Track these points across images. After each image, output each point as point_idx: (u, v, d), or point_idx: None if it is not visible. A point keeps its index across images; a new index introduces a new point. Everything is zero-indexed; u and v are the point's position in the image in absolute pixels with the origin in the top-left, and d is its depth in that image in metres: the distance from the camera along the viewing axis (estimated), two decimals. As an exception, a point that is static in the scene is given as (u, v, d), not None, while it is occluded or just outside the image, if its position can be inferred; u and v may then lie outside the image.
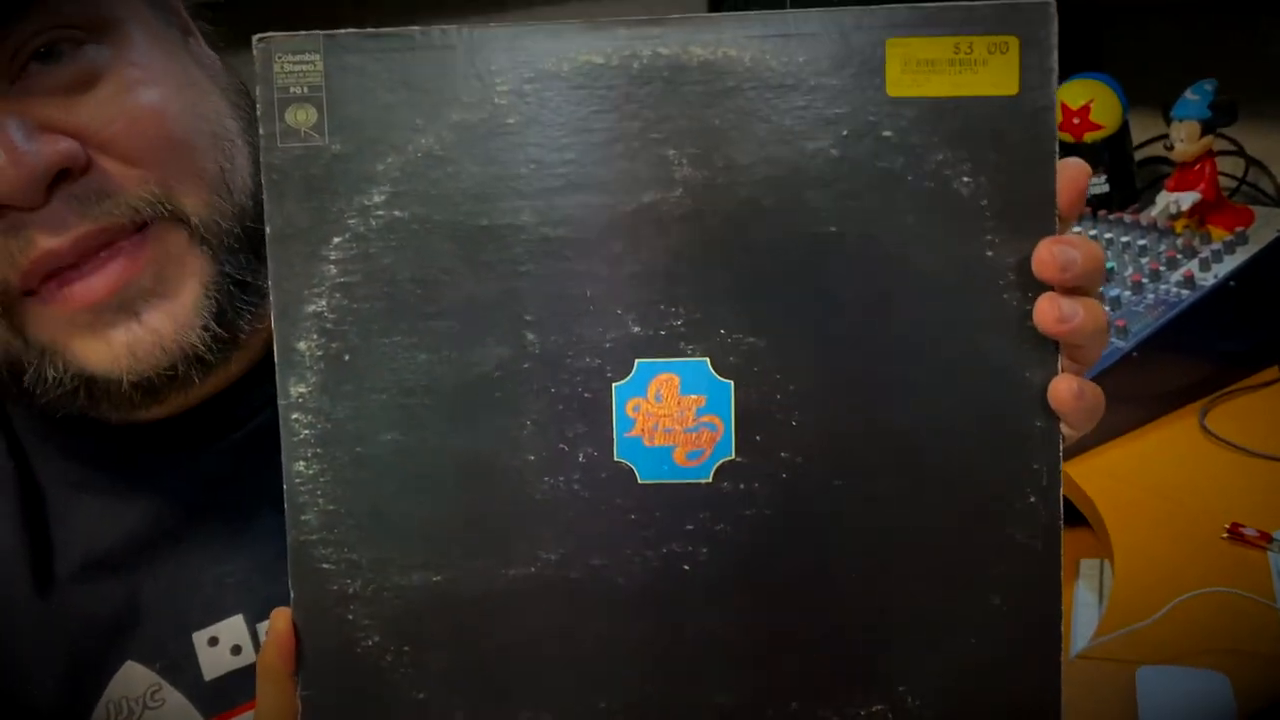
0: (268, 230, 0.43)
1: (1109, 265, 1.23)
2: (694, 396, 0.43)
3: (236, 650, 0.59)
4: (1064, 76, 1.36)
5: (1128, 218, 1.32)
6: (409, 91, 0.43)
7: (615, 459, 0.44)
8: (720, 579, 0.44)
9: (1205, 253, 1.18)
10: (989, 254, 0.42)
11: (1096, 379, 0.82)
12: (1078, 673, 0.81)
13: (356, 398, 0.44)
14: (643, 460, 0.44)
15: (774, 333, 0.43)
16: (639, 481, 0.44)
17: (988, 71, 0.41)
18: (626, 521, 0.44)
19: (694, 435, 0.43)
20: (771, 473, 0.43)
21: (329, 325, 0.43)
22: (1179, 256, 1.20)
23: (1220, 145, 1.26)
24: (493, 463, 0.43)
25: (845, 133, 0.42)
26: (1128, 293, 1.18)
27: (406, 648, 0.44)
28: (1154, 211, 1.28)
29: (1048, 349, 0.42)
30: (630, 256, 0.43)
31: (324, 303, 0.43)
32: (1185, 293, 1.15)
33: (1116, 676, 0.78)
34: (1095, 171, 1.39)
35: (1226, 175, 1.31)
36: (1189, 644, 0.80)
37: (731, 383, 0.43)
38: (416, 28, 0.42)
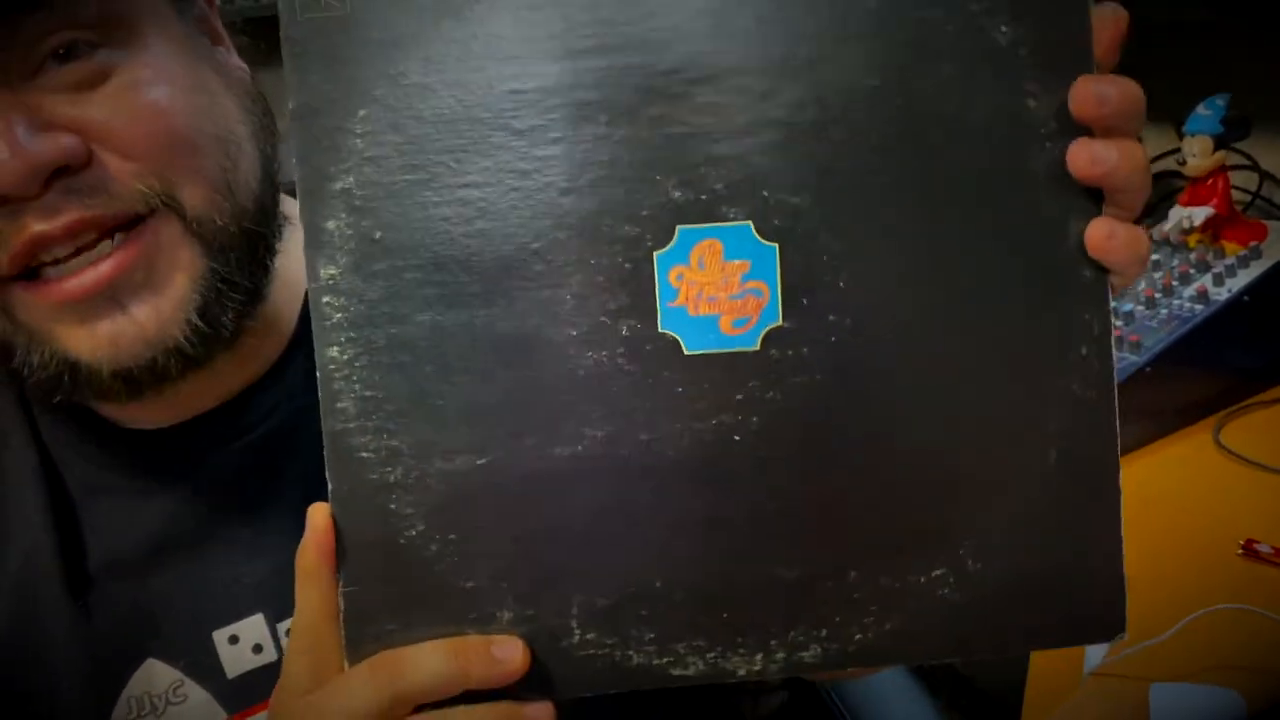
0: (290, 106, 0.42)
1: (1122, 280, 1.23)
2: (738, 262, 0.42)
3: (258, 649, 0.60)
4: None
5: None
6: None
7: (660, 330, 0.42)
8: (773, 448, 0.43)
9: (1219, 267, 1.18)
10: (1030, 103, 0.42)
11: None
12: (1091, 690, 0.81)
13: (389, 277, 0.42)
14: (688, 330, 0.42)
15: (816, 192, 0.42)
16: (685, 352, 0.43)
17: None
18: (674, 394, 0.43)
19: (739, 302, 0.42)
20: (821, 337, 0.43)
21: (358, 202, 0.42)
22: (1192, 271, 1.19)
23: (1233, 160, 1.26)
24: (533, 339, 0.42)
25: None
26: (1141, 307, 1.17)
27: (452, 535, 0.43)
28: (1167, 226, 1.27)
29: (1091, 197, 0.42)
30: (667, 118, 0.42)
31: (351, 179, 0.42)
32: (1199, 308, 1.14)
33: (1130, 694, 0.78)
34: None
35: (1240, 189, 1.31)
36: (1202, 661, 0.80)
37: (776, 246, 0.42)
38: None
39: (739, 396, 0.43)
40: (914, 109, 0.42)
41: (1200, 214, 1.22)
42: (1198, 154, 1.22)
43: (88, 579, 0.59)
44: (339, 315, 0.42)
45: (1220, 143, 1.21)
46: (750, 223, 0.42)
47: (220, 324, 0.55)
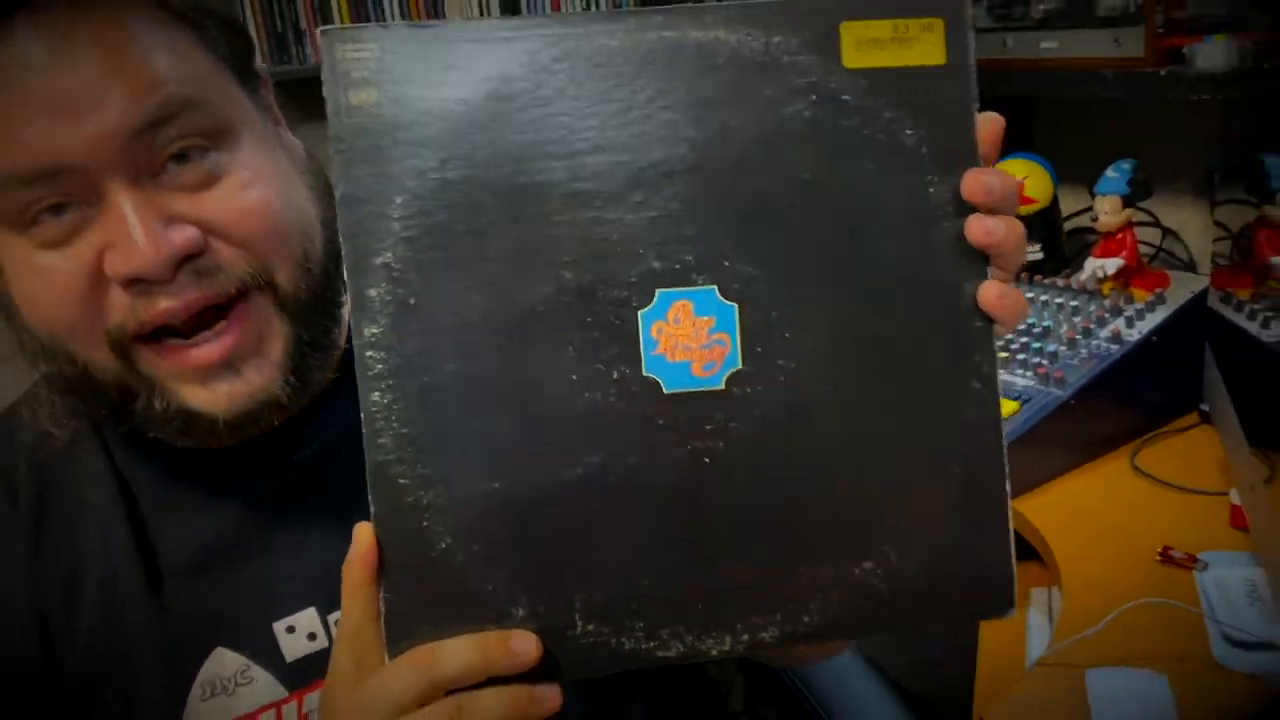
0: (338, 194, 0.49)
1: (1046, 324, 1.37)
2: (706, 318, 0.51)
3: (312, 637, 0.68)
4: (1001, 156, 1.51)
5: (1060, 282, 1.46)
6: (453, 72, 0.50)
7: (644, 374, 0.51)
8: (735, 468, 0.52)
9: (1130, 311, 1.32)
10: (930, 190, 0.52)
11: (1039, 425, 0.96)
12: (1036, 677, 0.92)
13: (422, 335, 0.50)
14: (667, 373, 0.51)
15: (767, 263, 0.51)
16: (664, 391, 0.51)
17: (921, 46, 0.51)
18: (655, 426, 0.51)
19: (707, 351, 0.51)
20: (772, 378, 0.52)
21: (396, 274, 0.50)
22: (1107, 315, 1.34)
23: (1138, 217, 1.41)
24: (541, 383, 0.50)
25: (813, 98, 0.51)
26: (1064, 348, 1.31)
27: (475, 547, 0.51)
28: (1083, 276, 1.42)
29: (980, 263, 0.52)
30: (647, 204, 0.51)
31: (390, 255, 0.50)
32: (1114, 347, 1.28)
33: (1070, 679, 0.89)
34: (1030, 241, 1.53)
35: (1144, 243, 1.46)
36: (1130, 649, 0.92)
37: (735, 305, 0.51)
38: (458, 18, 0.51)
39: (708, 426, 0.52)
40: (841, 196, 0.52)
41: (1112, 264, 1.36)
42: (1108, 211, 1.37)
43: (161, 579, 0.67)
44: (380, 366, 0.50)
45: (1127, 202, 1.36)
46: (715, 287, 0.51)
47: (308, 378, 0.65)
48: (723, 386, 0.52)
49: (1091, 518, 1.15)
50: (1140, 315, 1.32)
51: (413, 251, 0.50)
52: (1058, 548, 1.09)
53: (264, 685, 0.66)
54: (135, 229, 0.57)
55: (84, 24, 0.57)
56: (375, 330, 0.50)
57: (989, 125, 0.51)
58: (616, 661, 0.52)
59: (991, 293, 0.51)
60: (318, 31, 0.49)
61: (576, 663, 0.52)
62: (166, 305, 0.59)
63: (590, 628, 0.52)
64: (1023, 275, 1.51)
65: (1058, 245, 1.54)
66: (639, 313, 0.51)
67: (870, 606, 0.53)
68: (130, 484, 0.69)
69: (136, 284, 0.58)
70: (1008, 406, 1.24)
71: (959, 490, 0.53)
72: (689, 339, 0.51)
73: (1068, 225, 1.62)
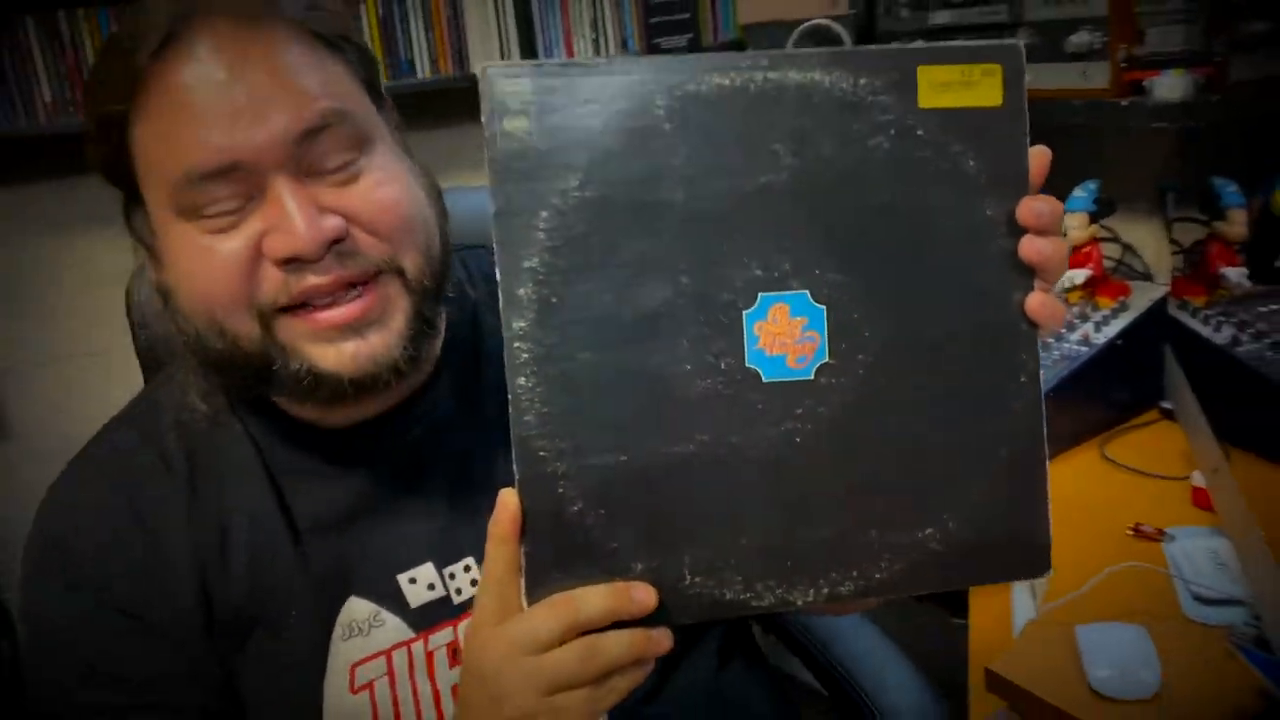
0: (493, 209, 0.57)
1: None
2: (799, 318, 0.60)
3: (431, 587, 0.78)
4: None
5: (1031, 291, 1.60)
6: (594, 105, 0.58)
7: (747, 365, 0.59)
8: (821, 446, 0.61)
9: (1097, 318, 1.46)
10: (988, 212, 0.61)
11: None
12: (1030, 635, 1.04)
13: (561, 329, 0.58)
14: (766, 365, 0.60)
15: (851, 272, 0.60)
16: (763, 380, 0.60)
17: (982, 89, 0.60)
18: (756, 409, 0.60)
19: (800, 346, 0.60)
20: (853, 370, 0.61)
21: (540, 277, 0.58)
22: (1076, 321, 1.47)
23: (1102, 233, 1.55)
24: (661, 372, 0.59)
25: (893, 132, 0.60)
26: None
27: (602, 510, 0.59)
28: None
29: (1026, 276, 0.61)
30: (752, 221, 0.59)
31: (536, 260, 0.57)
32: (1084, 349, 1.42)
33: (1062, 634, 1.01)
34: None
35: (1107, 257, 1.60)
36: (1112, 608, 1.04)
37: (824, 307, 0.60)
38: (600, 58, 0.60)
39: (798, 410, 0.60)
40: (913, 216, 0.60)
41: (1080, 275, 1.50)
42: (1076, 227, 1.51)
43: (298, 536, 0.77)
44: (525, 355, 0.58)
45: (1093, 218, 1.50)
46: (807, 292, 0.60)
47: (420, 349, 0.74)
48: (812, 377, 0.60)
49: (1069, 501, 1.26)
50: (1106, 321, 1.46)
51: (555, 258, 0.58)
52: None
53: (394, 627, 0.76)
54: (295, 216, 0.67)
55: (253, 46, 0.68)
56: (522, 324, 0.58)
57: (1039, 157, 0.61)
58: (718, 609, 0.61)
59: (1036, 301, 0.61)
60: (481, 67, 0.58)
61: (684, 610, 0.61)
62: (314, 281, 0.69)
63: (697, 580, 0.60)
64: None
65: (1028, 258, 1.67)
66: (744, 313, 0.59)
67: (931, 566, 0.62)
68: (265, 454, 0.78)
69: (291, 263, 0.68)
70: (990, 403, 1.37)
71: (1006, 469, 0.62)
72: (785, 336, 0.60)
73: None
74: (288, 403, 0.78)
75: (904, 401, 0.61)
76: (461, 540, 0.78)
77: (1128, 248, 1.68)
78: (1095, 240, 1.52)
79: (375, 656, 0.76)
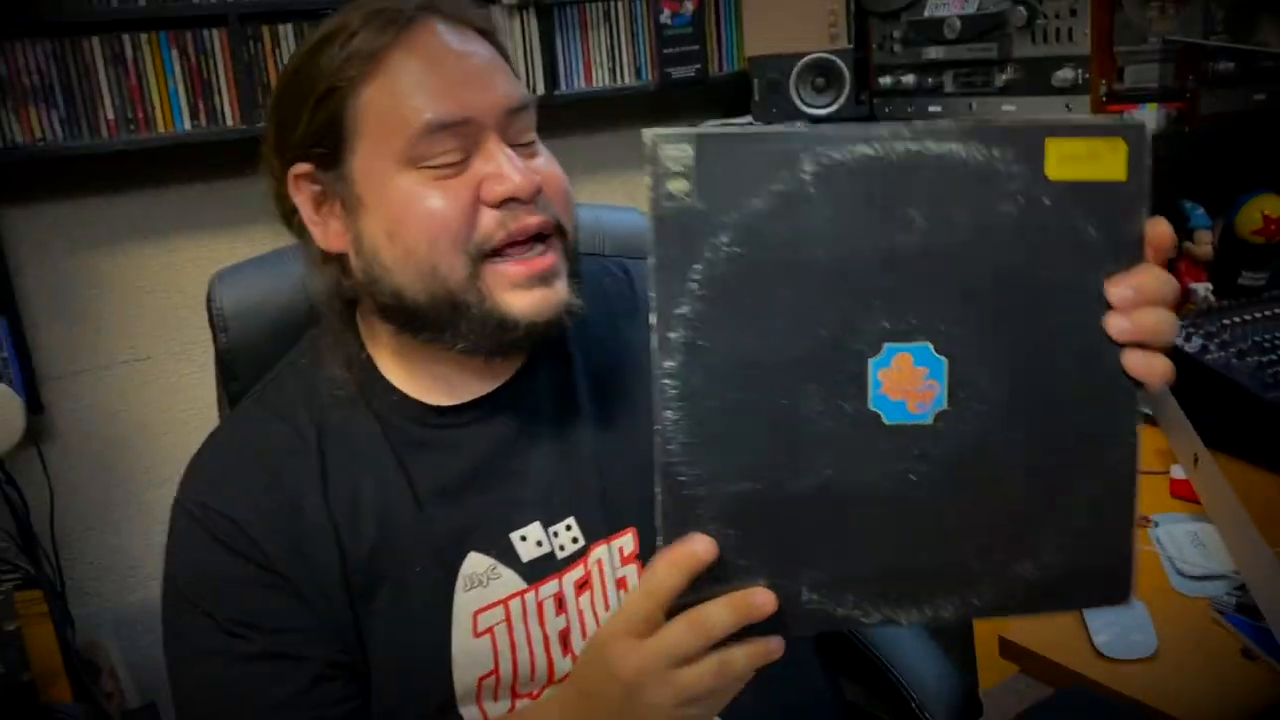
0: (652, 261, 0.61)
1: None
2: (922, 368, 0.63)
3: (539, 544, 0.87)
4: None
5: None
6: (748, 170, 0.62)
7: (870, 408, 0.63)
8: (934, 486, 0.64)
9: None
10: (1103, 276, 0.64)
11: None
12: (1037, 609, 1.16)
13: (706, 369, 0.62)
14: (888, 409, 0.63)
15: (972, 328, 0.63)
16: (885, 423, 0.64)
17: (1107, 163, 0.62)
18: (877, 449, 0.64)
19: (921, 393, 0.64)
20: (969, 418, 0.64)
21: (690, 323, 0.62)
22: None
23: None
24: (794, 412, 0.63)
25: (1021, 200, 0.62)
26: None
27: (733, 531, 0.63)
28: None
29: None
30: (885, 278, 0.63)
31: (687, 308, 0.62)
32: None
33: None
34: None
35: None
36: (1109, 583, 1.17)
37: (945, 359, 0.64)
38: (754, 128, 0.67)
39: (916, 452, 0.63)
40: (1034, 279, 0.63)
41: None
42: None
43: (419, 502, 0.85)
44: (673, 392, 0.62)
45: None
46: (930, 344, 0.63)
47: (576, 300, 0.83)
48: (931, 421, 0.64)
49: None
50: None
51: (705, 306, 0.62)
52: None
53: (509, 580, 0.85)
54: (512, 163, 0.79)
55: (471, 35, 0.81)
56: (672, 364, 0.62)
57: (1156, 229, 0.64)
58: (830, 624, 0.65)
59: (1134, 360, 0.63)
60: (645, 132, 0.63)
61: (799, 623, 0.64)
62: (526, 220, 0.80)
63: (814, 597, 0.64)
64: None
65: None
66: (869, 360, 0.63)
67: (1024, 595, 0.66)
68: (386, 429, 0.87)
69: (509, 203, 0.79)
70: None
71: (1099, 512, 0.66)
72: (907, 383, 0.63)
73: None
74: (418, 389, 0.87)
75: (1013, 448, 0.65)
76: (560, 502, 0.88)
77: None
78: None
79: (494, 605, 0.84)
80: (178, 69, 1.64)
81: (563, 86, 2.01)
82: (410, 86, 0.78)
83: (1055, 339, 0.65)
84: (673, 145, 0.62)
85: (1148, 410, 1.54)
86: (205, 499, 0.84)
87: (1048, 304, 0.65)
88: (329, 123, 0.79)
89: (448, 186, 0.78)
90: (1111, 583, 0.68)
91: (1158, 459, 1.46)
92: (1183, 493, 1.35)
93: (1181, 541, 1.24)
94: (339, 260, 0.84)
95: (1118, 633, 1.08)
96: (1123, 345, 0.63)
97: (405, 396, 0.87)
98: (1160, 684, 1.02)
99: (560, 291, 0.82)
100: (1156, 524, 1.28)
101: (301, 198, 0.82)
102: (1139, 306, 0.64)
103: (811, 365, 0.63)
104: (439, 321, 0.82)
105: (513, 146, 0.81)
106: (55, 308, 1.75)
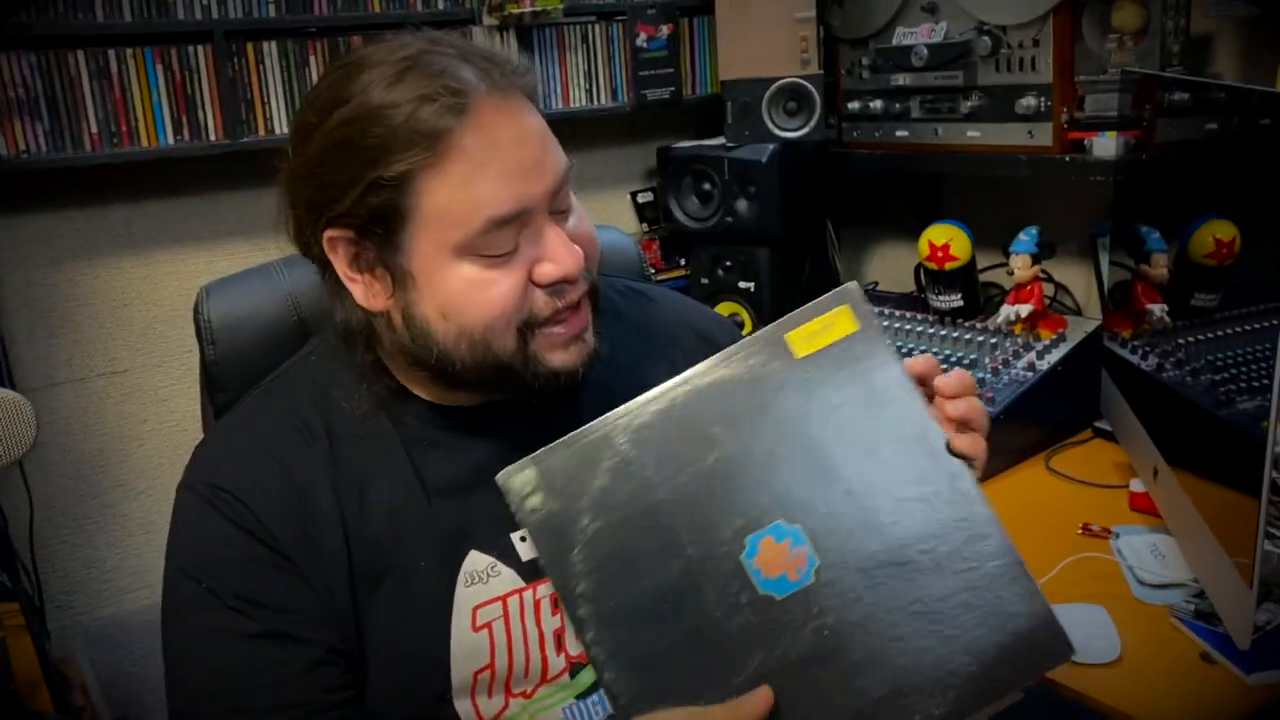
0: (542, 561, 0.77)
1: (973, 356, 1.69)
2: (784, 541, 0.75)
3: None
4: (928, 223, 1.83)
5: (978, 324, 1.79)
6: (581, 464, 0.77)
7: (761, 593, 0.75)
8: (845, 628, 0.74)
9: (1039, 347, 1.65)
10: (889, 411, 0.77)
11: None
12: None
13: (622, 627, 0.75)
14: (775, 587, 0.75)
15: (807, 491, 0.76)
16: (779, 600, 0.75)
17: (840, 324, 0.78)
18: (784, 623, 0.74)
19: (794, 562, 0.75)
20: (844, 560, 0.75)
21: (591, 596, 0.76)
22: (1021, 350, 1.66)
23: (1041, 274, 1.75)
24: (705, 624, 0.75)
25: (790, 384, 0.77)
26: (990, 375, 1.62)
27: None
28: (998, 319, 1.75)
29: (938, 435, 0.77)
30: (716, 489, 0.76)
31: (584, 585, 0.76)
32: (1030, 375, 1.61)
33: (1032, 614, 1.18)
34: (952, 291, 1.85)
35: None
36: (1074, 592, 1.22)
37: (800, 526, 0.75)
38: (572, 436, 0.76)
39: (815, 610, 0.74)
40: (835, 432, 0.76)
41: (1025, 309, 1.70)
42: (1020, 267, 1.70)
43: (429, 498, 0.88)
44: (604, 656, 0.75)
45: (1035, 260, 1.70)
46: (780, 520, 0.75)
47: (602, 345, 0.89)
48: (814, 580, 0.75)
49: (1023, 506, 1.46)
50: (1048, 350, 1.65)
51: (595, 578, 0.75)
52: (1014, 531, 1.39)
53: (508, 577, 0.88)
54: (562, 244, 0.82)
55: (521, 114, 0.82)
56: (593, 634, 0.75)
57: (915, 362, 0.80)
58: None
59: (961, 441, 0.79)
60: (497, 477, 0.78)
61: None
62: (572, 296, 0.84)
63: None
64: (946, 319, 1.83)
65: (975, 295, 1.87)
66: (740, 558, 0.75)
67: (976, 688, 0.74)
68: (398, 428, 0.90)
69: (558, 284, 0.83)
70: (950, 421, 1.55)
71: (996, 584, 0.75)
72: (779, 559, 0.75)
73: (983, 277, 1.95)
74: (427, 389, 0.90)
75: (894, 567, 0.75)
76: None
77: (1061, 287, 1.89)
78: (1037, 279, 1.71)
79: (494, 601, 0.87)
80: (162, 84, 1.65)
81: (541, 106, 1.98)
82: (470, 181, 0.79)
83: (879, 467, 0.76)
84: (518, 474, 0.78)
85: (1107, 427, 1.62)
86: (213, 479, 0.87)
87: (854, 445, 0.77)
88: (385, 208, 0.79)
89: (503, 273, 0.82)
90: (1049, 643, 0.75)
91: (1117, 473, 1.53)
92: (1142, 505, 1.41)
93: (1141, 551, 1.29)
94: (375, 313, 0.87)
95: (1082, 638, 1.12)
96: (935, 442, 0.76)
97: (419, 399, 0.91)
98: (1124, 687, 1.08)
99: (591, 342, 0.88)
100: (1117, 535, 1.34)
101: (336, 256, 0.84)
102: (958, 394, 0.80)
103: (699, 581, 0.75)
104: (481, 380, 0.87)
105: (556, 215, 0.84)
106: (34, 320, 1.75)
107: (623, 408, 0.77)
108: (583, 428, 0.77)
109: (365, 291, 0.84)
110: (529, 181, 0.80)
